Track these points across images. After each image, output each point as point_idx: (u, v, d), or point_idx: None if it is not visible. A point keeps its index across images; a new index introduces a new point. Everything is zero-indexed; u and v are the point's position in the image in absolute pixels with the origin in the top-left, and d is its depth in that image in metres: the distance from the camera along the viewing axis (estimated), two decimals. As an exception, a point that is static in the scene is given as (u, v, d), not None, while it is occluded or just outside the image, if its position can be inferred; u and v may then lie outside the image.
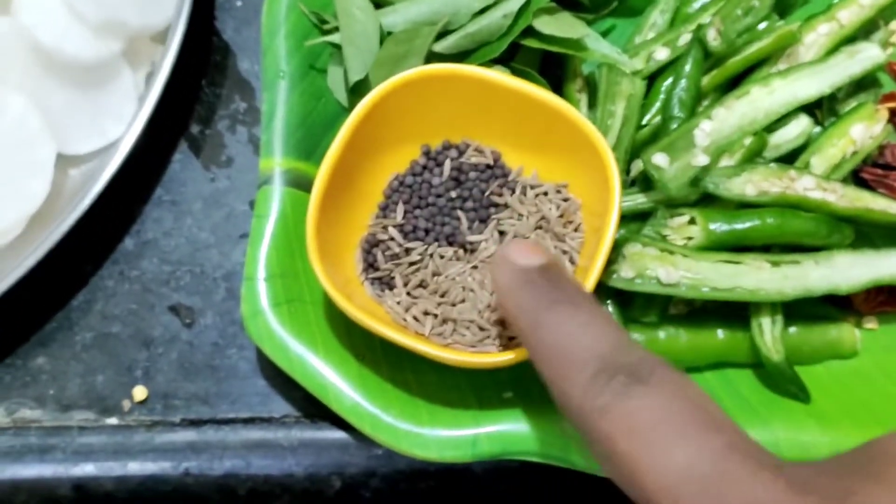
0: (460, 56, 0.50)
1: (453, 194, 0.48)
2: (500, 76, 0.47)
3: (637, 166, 0.49)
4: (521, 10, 0.49)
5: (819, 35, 0.51)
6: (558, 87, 0.51)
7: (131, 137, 0.50)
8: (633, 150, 0.49)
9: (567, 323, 0.35)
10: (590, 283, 0.42)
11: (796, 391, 0.45)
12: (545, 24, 0.49)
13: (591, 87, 0.52)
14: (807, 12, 0.53)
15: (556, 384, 0.34)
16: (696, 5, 0.53)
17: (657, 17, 0.54)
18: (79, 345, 0.50)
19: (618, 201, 0.43)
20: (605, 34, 0.54)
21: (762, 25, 0.51)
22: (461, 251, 0.47)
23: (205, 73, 0.56)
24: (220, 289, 0.51)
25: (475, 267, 0.47)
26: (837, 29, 0.51)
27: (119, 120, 0.52)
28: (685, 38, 0.51)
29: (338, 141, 0.45)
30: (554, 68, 0.51)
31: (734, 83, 0.51)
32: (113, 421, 0.48)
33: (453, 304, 0.46)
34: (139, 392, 0.49)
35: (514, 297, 0.37)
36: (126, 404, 0.49)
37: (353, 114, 0.46)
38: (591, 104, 0.51)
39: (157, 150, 0.54)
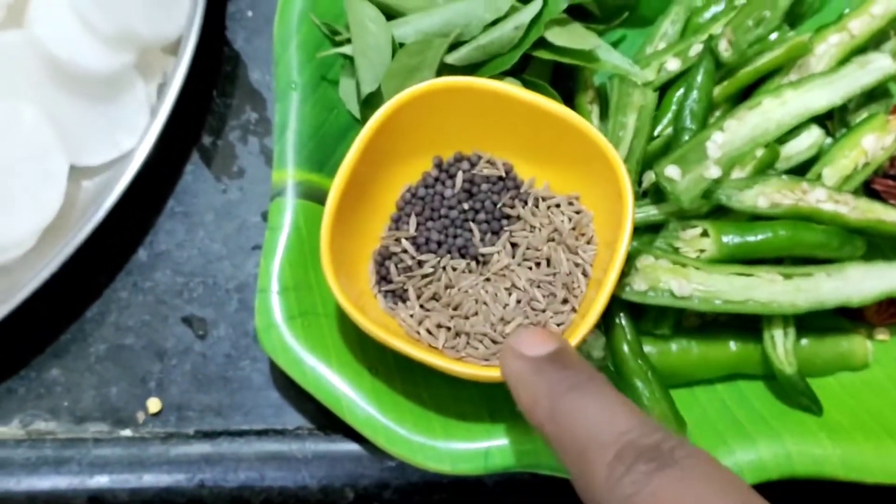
0: (472, 68, 0.50)
1: (465, 206, 0.48)
2: (511, 89, 0.47)
3: (649, 178, 0.49)
4: (533, 22, 0.49)
5: (830, 45, 0.51)
6: (570, 99, 0.51)
7: (144, 149, 0.50)
8: (644, 162, 0.49)
9: (584, 409, 0.35)
10: (603, 297, 0.43)
11: (808, 403, 0.45)
12: (557, 36, 0.49)
13: (602, 98, 0.52)
14: (817, 22, 0.53)
15: (578, 472, 0.34)
16: (707, 15, 0.53)
17: (668, 28, 0.54)
18: (93, 356, 0.50)
19: (631, 214, 0.43)
20: (615, 45, 0.54)
21: (773, 36, 0.51)
22: (473, 263, 0.47)
23: (216, 83, 0.56)
24: (233, 300, 0.51)
25: (487, 279, 0.47)
26: (848, 39, 0.51)
27: (131, 132, 0.52)
28: (696, 48, 0.51)
29: (351, 153, 0.46)
30: (565, 80, 0.51)
31: (745, 94, 0.51)
32: (127, 433, 0.49)
33: (466, 317, 0.46)
34: (153, 404, 0.49)
35: (526, 387, 0.37)
36: (140, 416, 0.49)
37: (367, 126, 0.46)
38: (603, 115, 0.51)
39: (169, 162, 0.54)
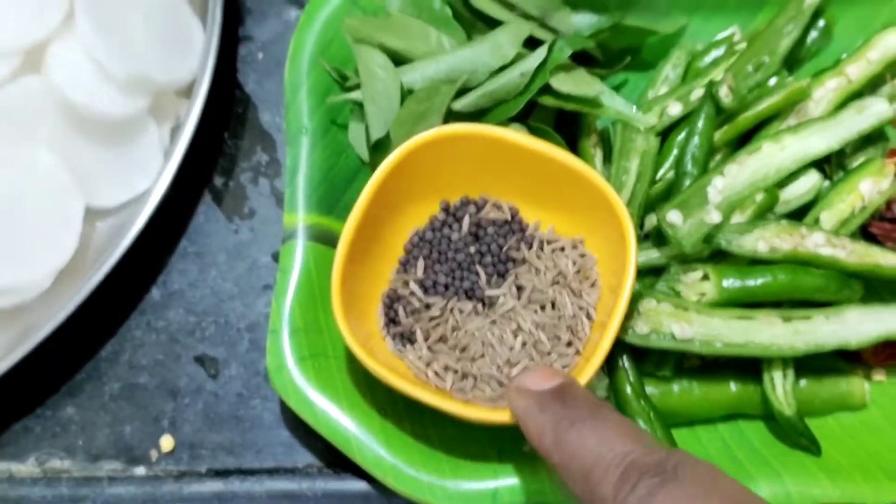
0: (478, 114, 0.51)
1: (472, 249, 0.49)
2: (516, 136, 0.48)
3: (651, 220, 0.50)
4: (538, 69, 0.50)
5: (828, 90, 0.52)
6: (573, 143, 0.52)
7: (158, 191, 0.52)
8: (647, 205, 0.50)
9: (589, 437, 0.36)
10: (608, 340, 0.44)
11: (807, 444, 0.46)
12: (561, 82, 0.50)
13: (605, 141, 0.53)
14: (815, 67, 0.54)
15: (586, 495, 0.35)
16: (708, 60, 0.55)
17: (669, 72, 0.55)
18: (107, 395, 0.51)
19: (634, 261, 0.44)
20: (618, 88, 0.55)
21: (772, 81, 0.53)
22: (480, 305, 0.48)
23: (227, 125, 0.57)
24: (244, 340, 0.52)
25: (494, 322, 0.48)
26: (846, 84, 0.52)
27: (145, 174, 0.53)
28: (697, 93, 0.53)
29: (362, 198, 0.47)
30: (569, 124, 0.53)
31: (745, 138, 0.52)
32: (141, 471, 0.50)
33: (473, 360, 0.47)
34: (166, 442, 0.50)
35: (533, 420, 0.39)
36: (153, 454, 0.50)
37: (377, 172, 0.47)
38: (606, 159, 0.52)
39: (182, 202, 0.55)
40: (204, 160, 0.56)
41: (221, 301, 0.53)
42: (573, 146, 0.52)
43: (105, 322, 0.53)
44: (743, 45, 0.54)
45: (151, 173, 0.53)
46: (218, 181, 0.56)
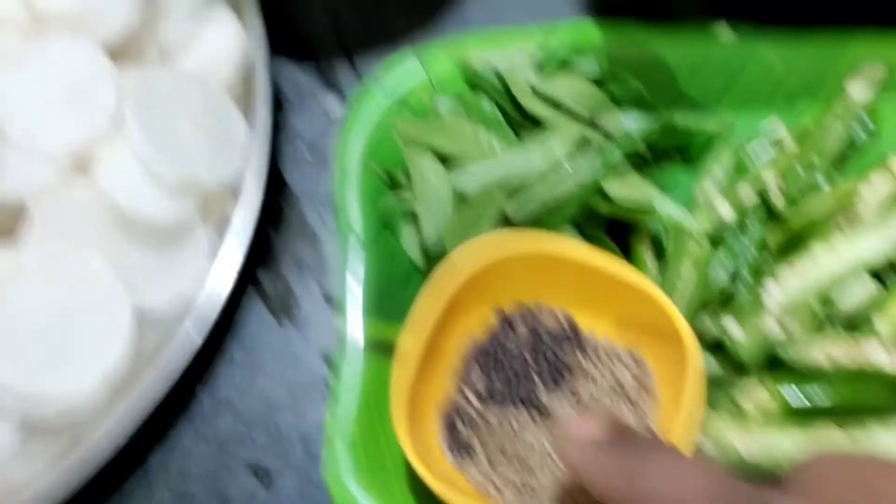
0: (531, 220, 0.51)
1: (528, 357, 0.49)
2: (571, 249, 0.48)
3: (706, 327, 0.50)
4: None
5: (878, 191, 0.52)
6: (625, 241, 0.52)
7: (208, 295, 0.51)
8: (700, 310, 0.50)
9: (666, 474, 0.33)
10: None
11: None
12: (614, 188, 0.50)
13: (657, 244, 0.53)
14: (863, 164, 0.54)
15: None
16: (755, 158, 0.54)
17: (717, 171, 0.54)
18: (157, 504, 0.51)
19: (697, 376, 0.44)
20: (665, 187, 0.55)
21: (821, 180, 0.53)
22: (537, 414, 0.48)
23: (274, 225, 0.56)
24: (297, 450, 0.51)
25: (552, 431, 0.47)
26: (894, 182, 0.52)
27: (193, 276, 0.53)
28: (747, 193, 0.52)
29: (428, 320, 0.47)
30: (621, 224, 0.52)
31: (797, 240, 0.52)
32: (195, 585, 0.49)
33: (532, 472, 0.47)
34: (220, 555, 0.50)
35: (598, 470, 0.35)
36: (207, 567, 0.50)
37: (442, 295, 0.47)
38: (658, 258, 0.52)
39: (228, 303, 0.54)
40: (250, 259, 0.55)
41: (272, 408, 0.52)
42: (624, 245, 0.52)
43: (153, 429, 0.52)
44: (790, 142, 0.54)
45: (199, 275, 0.53)
46: (265, 281, 0.55)
